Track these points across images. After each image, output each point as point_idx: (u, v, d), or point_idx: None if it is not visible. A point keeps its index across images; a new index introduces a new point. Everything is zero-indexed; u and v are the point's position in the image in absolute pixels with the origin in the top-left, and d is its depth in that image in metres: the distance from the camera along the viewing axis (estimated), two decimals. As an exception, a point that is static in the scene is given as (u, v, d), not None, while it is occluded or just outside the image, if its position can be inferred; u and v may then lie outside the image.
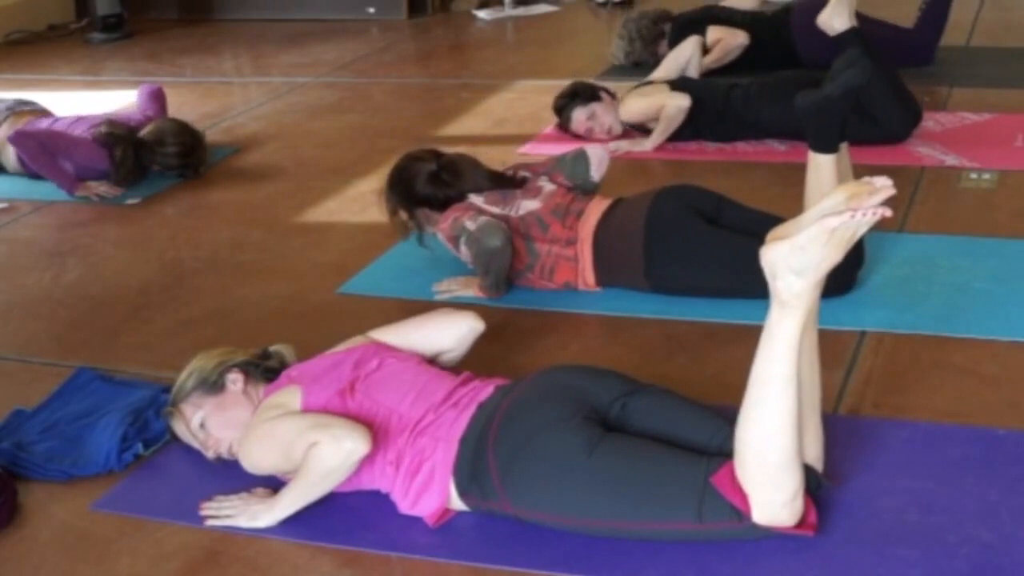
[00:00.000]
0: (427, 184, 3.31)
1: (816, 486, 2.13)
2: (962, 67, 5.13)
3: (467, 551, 2.17)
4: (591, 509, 2.12)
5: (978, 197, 3.72)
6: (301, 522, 2.27)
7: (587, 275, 3.20)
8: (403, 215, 3.39)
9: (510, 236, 3.14)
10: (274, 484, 2.34)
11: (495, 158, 3.97)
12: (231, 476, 2.43)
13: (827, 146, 2.92)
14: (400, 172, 3.37)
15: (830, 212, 1.94)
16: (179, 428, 2.50)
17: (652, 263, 3.09)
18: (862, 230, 1.96)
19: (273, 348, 2.61)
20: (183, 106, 5.36)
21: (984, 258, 3.23)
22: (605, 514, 2.12)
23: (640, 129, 4.47)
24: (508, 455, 2.17)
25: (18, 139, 4.35)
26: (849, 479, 2.27)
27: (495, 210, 3.24)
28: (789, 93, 4.32)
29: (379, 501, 2.33)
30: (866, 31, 4.84)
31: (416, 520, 2.26)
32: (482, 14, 7.30)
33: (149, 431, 2.61)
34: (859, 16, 4.92)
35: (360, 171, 4.44)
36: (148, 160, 4.42)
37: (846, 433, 2.39)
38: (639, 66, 5.29)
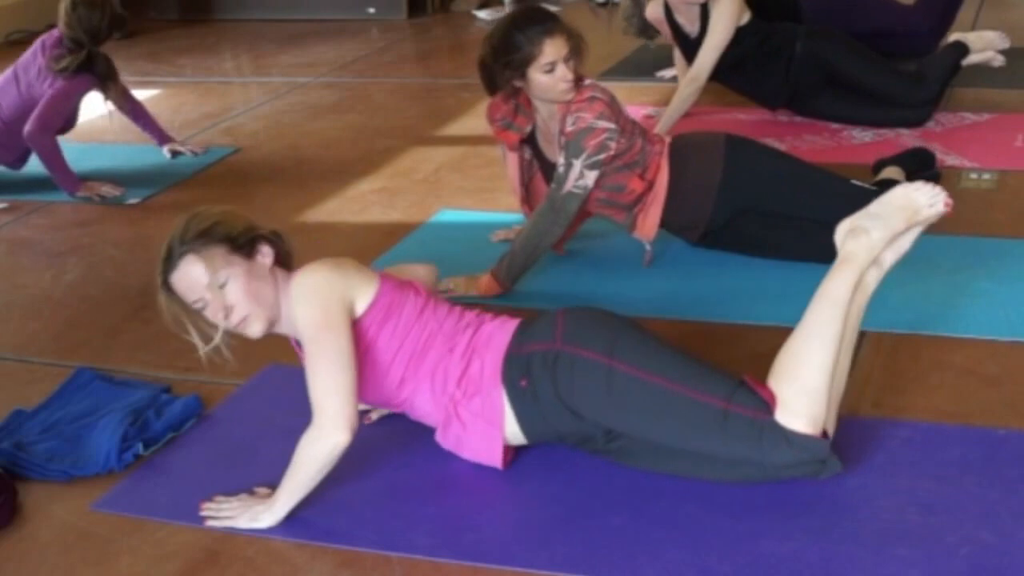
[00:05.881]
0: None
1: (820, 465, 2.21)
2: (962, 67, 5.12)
3: (467, 551, 2.17)
4: (638, 358, 2.26)
5: (978, 197, 3.72)
6: (301, 522, 2.27)
7: (663, 173, 3.23)
8: (507, 76, 3.17)
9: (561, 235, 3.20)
10: (275, 484, 2.34)
11: (496, 158, 3.97)
12: (232, 476, 2.44)
13: None
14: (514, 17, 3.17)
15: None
16: (191, 273, 2.24)
17: (733, 152, 3.24)
18: (932, 209, 2.34)
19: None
20: (183, 106, 5.36)
21: (984, 258, 3.23)
22: (650, 365, 2.25)
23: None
24: (576, 312, 2.38)
25: (33, 138, 4.24)
26: (849, 479, 2.27)
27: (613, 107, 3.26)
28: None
29: (379, 501, 2.33)
30: (866, 13, 4.85)
31: (416, 520, 2.26)
32: (482, 14, 7.30)
33: (149, 431, 2.61)
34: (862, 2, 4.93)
35: (360, 171, 4.44)
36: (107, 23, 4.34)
37: (845, 433, 2.38)
38: (643, 36, 5.21)
